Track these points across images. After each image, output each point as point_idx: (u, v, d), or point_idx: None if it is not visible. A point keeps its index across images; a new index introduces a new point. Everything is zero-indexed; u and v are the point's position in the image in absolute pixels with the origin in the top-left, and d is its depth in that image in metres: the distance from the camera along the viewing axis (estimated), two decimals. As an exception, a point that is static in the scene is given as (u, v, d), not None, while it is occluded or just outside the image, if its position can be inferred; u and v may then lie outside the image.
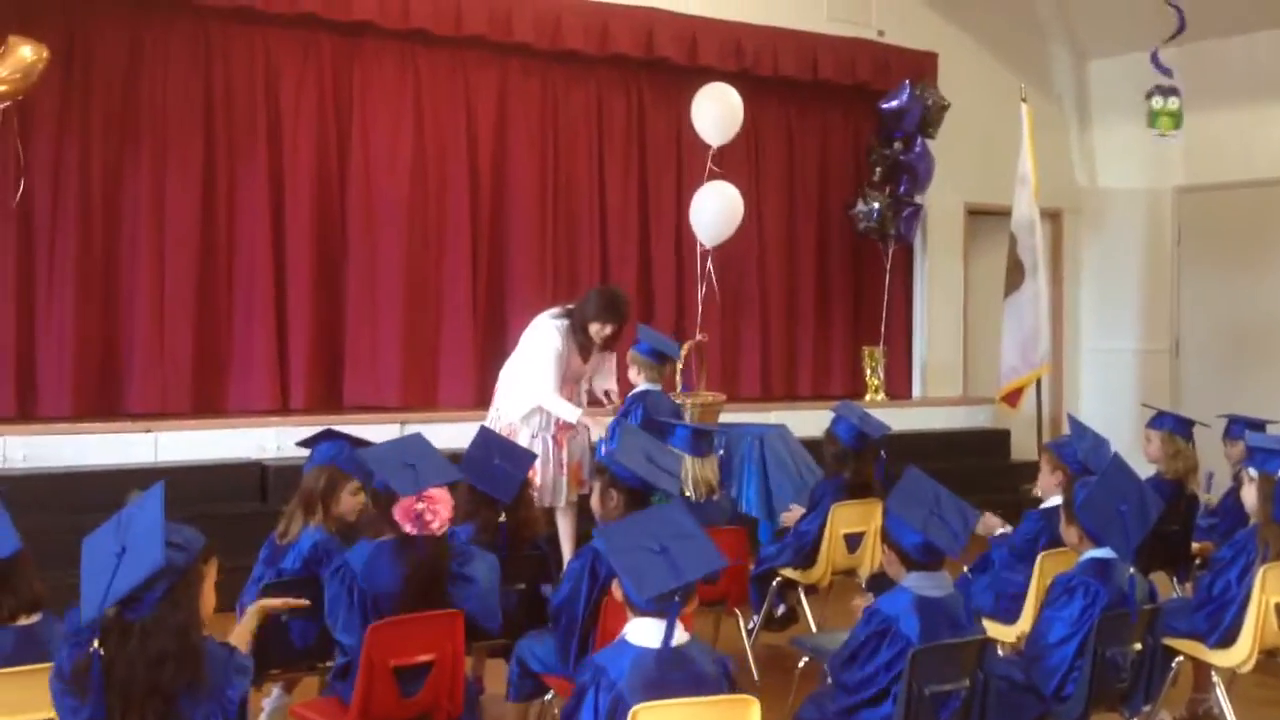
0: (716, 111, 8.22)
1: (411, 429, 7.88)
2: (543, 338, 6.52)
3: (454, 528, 4.72)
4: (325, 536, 4.33)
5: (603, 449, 6.05)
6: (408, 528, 3.81)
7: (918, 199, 9.98)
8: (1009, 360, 9.85)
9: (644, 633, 3.02)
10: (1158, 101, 9.36)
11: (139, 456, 7.17)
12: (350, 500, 4.46)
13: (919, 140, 9.81)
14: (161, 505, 2.76)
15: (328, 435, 4.67)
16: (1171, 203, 10.98)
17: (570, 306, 6.68)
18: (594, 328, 6.49)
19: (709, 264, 8.28)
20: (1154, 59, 8.52)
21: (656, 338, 6.76)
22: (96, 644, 2.63)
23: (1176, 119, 9.41)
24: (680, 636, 3.03)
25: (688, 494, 5.35)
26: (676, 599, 2.98)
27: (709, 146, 8.34)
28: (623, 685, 2.94)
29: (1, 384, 7.23)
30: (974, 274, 10.93)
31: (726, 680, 3.09)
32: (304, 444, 4.73)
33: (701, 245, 8.65)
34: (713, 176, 8.29)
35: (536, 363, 6.50)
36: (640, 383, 6.53)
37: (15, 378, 7.26)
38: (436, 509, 3.82)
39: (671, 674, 2.98)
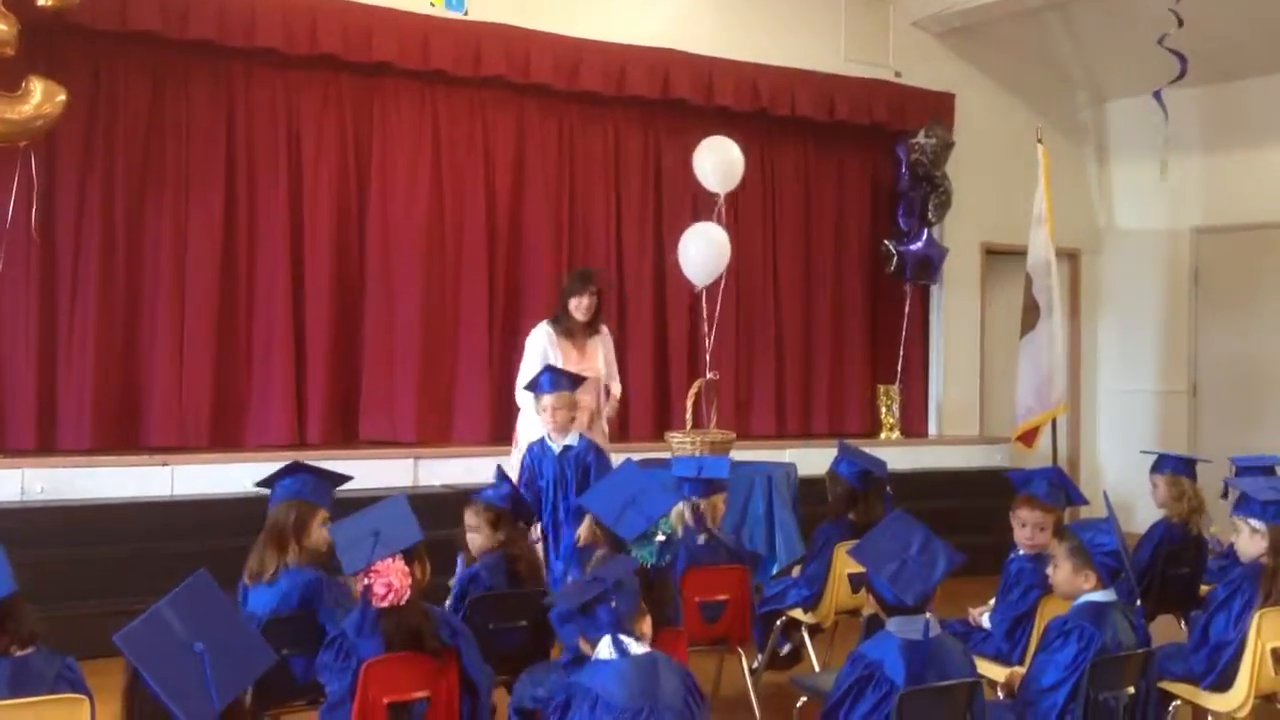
0: (715, 161, 8.16)
1: (425, 465, 8.01)
2: (529, 341, 7.09)
3: (472, 568, 4.80)
4: (314, 576, 4.33)
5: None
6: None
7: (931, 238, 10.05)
8: (1024, 400, 9.87)
9: (606, 650, 3.23)
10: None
11: (155, 489, 7.24)
12: (321, 533, 4.41)
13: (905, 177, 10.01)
14: (225, 597, 2.86)
15: (290, 470, 4.61)
16: (1190, 243, 10.97)
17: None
18: (572, 303, 6.97)
19: (714, 301, 8.23)
20: (1157, 96, 8.54)
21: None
22: None
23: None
24: (638, 648, 3.24)
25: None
26: (612, 603, 3.23)
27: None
28: (598, 690, 3.13)
29: (22, 418, 7.33)
30: (991, 313, 10.93)
31: (694, 695, 3.26)
32: (262, 484, 4.68)
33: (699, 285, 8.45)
34: (724, 217, 8.29)
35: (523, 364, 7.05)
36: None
37: (36, 412, 7.35)
38: (386, 580, 3.71)
39: (647, 681, 3.16)
